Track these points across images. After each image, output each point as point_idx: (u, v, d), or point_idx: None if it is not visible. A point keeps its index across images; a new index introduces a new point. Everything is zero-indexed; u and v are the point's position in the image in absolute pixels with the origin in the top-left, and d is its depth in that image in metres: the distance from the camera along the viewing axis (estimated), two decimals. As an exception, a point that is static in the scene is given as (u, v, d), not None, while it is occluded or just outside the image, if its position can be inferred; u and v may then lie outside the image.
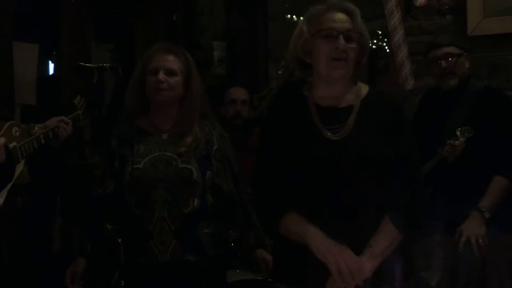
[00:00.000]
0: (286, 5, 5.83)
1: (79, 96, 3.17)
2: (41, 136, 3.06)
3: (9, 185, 2.94)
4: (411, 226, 2.28)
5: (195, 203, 2.73)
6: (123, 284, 2.40)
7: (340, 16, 2.31)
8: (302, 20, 2.40)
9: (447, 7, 4.21)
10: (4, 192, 2.93)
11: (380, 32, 8.01)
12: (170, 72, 2.74)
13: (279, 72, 4.42)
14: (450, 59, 3.33)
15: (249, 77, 5.08)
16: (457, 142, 3.11)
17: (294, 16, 5.87)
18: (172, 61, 2.75)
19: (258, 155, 2.45)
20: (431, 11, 4.23)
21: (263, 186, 2.39)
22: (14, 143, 2.94)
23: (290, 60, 2.42)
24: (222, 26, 5.39)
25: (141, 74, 2.78)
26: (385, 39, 6.28)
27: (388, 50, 5.46)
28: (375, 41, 9.06)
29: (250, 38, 5.15)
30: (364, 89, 2.41)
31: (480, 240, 3.03)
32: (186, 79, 2.78)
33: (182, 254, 2.70)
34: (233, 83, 4.35)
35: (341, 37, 2.28)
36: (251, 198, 2.76)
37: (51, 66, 5.59)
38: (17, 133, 2.99)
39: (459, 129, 3.13)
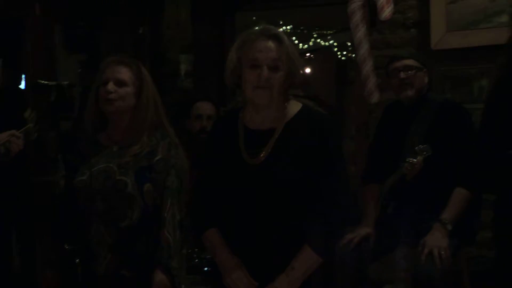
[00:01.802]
0: (254, 18, 5.84)
1: (29, 109, 3.13)
2: None
3: None
4: (327, 250, 2.40)
5: (133, 216, 2.67)
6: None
7: (268, 44, 2.38)
8: (233, 46, 2.47)
9: (411, 21, 4.26)
10: None
11: (349, 44, 8.07)
12: (120, 83, 2.73)
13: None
14: (409, 71, 3.38)
15: (216, 90, 5.07)
16: (415, 160, 3.15)
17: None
18: (123, 72, 2.75)
19: (199, 172, 2.61)
20: (396, 25, 4.28)
21: (194, 202, 2.56)
22: None
23: (228, 82, 2.50)
24: (189, 39, 5.38)
25: (97, 88, 2.76)
26: (354, 51, 6.32)
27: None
28: (344, 53, 9.15)
29: (217, 51, 5.14)
30: (294, 109, 2.47)
31: (443, 252, 3.05)
32: (138, 90, 2.76)
33: (118, 268, 2.66)
34: (200, 97, 4.33)
35: (265, 67, 2.35)
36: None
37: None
38: None
39: (418, 147, 3.17)
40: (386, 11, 3.97)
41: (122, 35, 5.18)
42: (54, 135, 3.30)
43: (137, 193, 2.67)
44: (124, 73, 2.75)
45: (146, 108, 2.76)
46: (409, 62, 3.41)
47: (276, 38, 2.39)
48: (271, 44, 2.38)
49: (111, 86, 2.71)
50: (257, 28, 2.45)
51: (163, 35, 5.43)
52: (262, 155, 2.38)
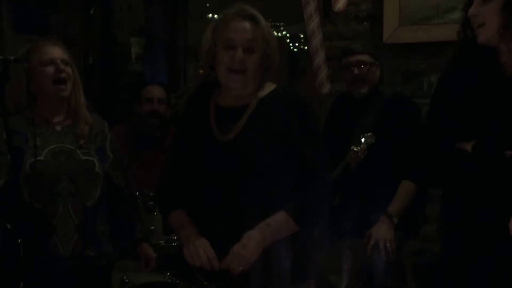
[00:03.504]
0: (208, 4, 5.81)
1: None
2: None
3: None
4: (308, 221, 2.30)
5: (96, 196, 2.74)
6: (22, 285, 2.32)
7: (244, 25, 2.30)
8: (209, 26, 2.40)
9: (364, 14, 4.27)
10: None
11: (302, 36, 8.10)
12: (66, 63, 2.76)
13: (200, 71, 4.40)
14: (362, 66, 3.39)
15: (167, 75, 5.03)
16: (359, 148, 3.16)
17: (215, 16, 5.85)
18: (63, 52, 2.78)
19: (168, 153, 2.54)
20: (349, 17, 4.29)
21: (161, 184, 2.48)
22: None
23: (203, 63, 2.43)
24: (141, 22, 5.32)
25: (26, 65, 2.66)
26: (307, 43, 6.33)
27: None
28: (296, 44, 9.17)
29: (169, 36, 5.09)
30: (268, 89, 2.40)
31: (388, 245, 3.07)
32: (72, 70, 2.79)
33: (83, 249, 2.69)
34: (150, 81, 4.28)
35: (239, 48, 2.29)
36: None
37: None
38: None
39: (362, 135, 3.19)
40: (340, 3, 3.98)
41: (72, 15, 5.07)
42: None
43: (102, 172, 2.76)
44: (64, 54, 2.78)
45: (80, 89, 2.81)
46: (363, 57, 3.41)
47: (253, 19, 2.32)
48: (247, 24, 2.30)
49: (61, 65, 2.72)
50: (232, 8, 2.36)
51: (114, 17, 5.36)
52: (234, 131, 2.31)
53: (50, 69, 2.72)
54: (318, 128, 2.42)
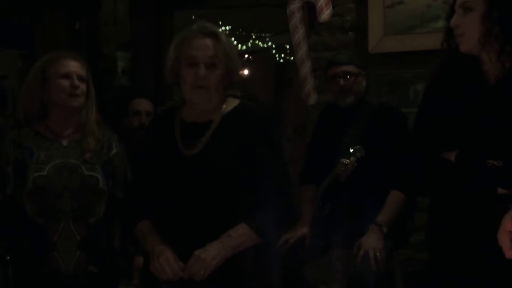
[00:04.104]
0: (193, 17, 5.81)
1: None
2: None
3: None
4: (269, 233, 2.36)
5: (100, 212, 2.72)
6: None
7: (205, 42, 2.38)
8: (172, 44, 2.47)
9: (349, 24, 4.30)
10: None
11: (287, 46, 8.12)
12: (82, 78, 2.76)
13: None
14: (348, 77, 3.41)
15: (153, 88, 5.02)
16: (348, 161, 3.17)
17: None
18: (80, 68, 2.78)
19: (134, 167, 2.65)
20: (334, 27, 4.31)
21: (128, 196, 2.58)
22: None
23: (168, 80, 2.50)
24: (127, 36, 5.32)
25: (42, 78, 2.73)
26: (293, 53, 6.35)
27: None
28: (282, 55, 9.20)
29: (155, 49, 5.10)
30: (231, 104, 2.48)
31: (378, 254, 3.08)
32: (87, 86, 2.80)
33: (86, 265, 2.68)
34: (137, 95, 4.28)
35: (202, 66, 2.36)
36: None
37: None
38: None
39: (351, 148, 3.20)
40: (325, 13, 3.99)
41: (57, 30, 5.07)
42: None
43: (106, 188, 2.74)
44: (82, 69, 2.78)
45: (93, 104, 2.81)
46: (349, 68, 3.43)
47: (214, 35, 2.40)
48: (208, 41, 2.38)
49: (77, 81, 2.73)
50: (194, 26, 2.43)
51: (100, 31, 5.36)
52: (198, 146, 2.37)
53: (66, 83, 2.72)
54: (280, 141, 2.48)
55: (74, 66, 2.75)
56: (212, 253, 2.27)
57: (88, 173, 2.71)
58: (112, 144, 2.83)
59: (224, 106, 2.45)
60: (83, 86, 2.75)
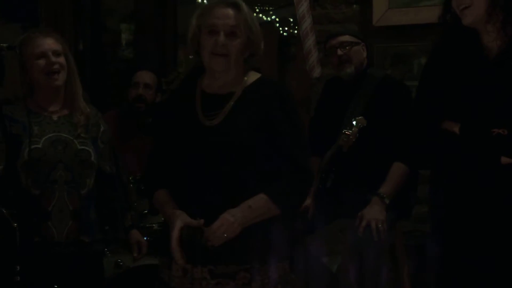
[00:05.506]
0: (196, -9, 5.80)
1: None
2: None
3: None
4: (288, 204, 2.38)
5: (91, 184, 2.85)
6: (18, 269, 2.38)
7: (226, 11, 2.40)
8: (194, 14, 2.49)
9: (354, -4, 4.29)
10: None
11: (291, 20, 8.08)
12: (58, 54, 2.81)
13: (190, 56, 4.39)
14: (345, 47, 3.40)
15: (157, 61, 5.02)
16: (350, 131, 3.19)
17: (205, 1, 5.84)
18: (54, 44, 2.82)
19: (154, 137, 2.65)
20: (339, 0, 4.30)
21: (147, 167, 2.57)
22: None
23: (190, 49, 2.51)
24: (130, 8, 5.31)
25: (20, 61, 2.77)
26: (296, 27, 6.33)
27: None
28: (286, 29, 9.15)
29: (159, 21, 5.09)
30: (252, 78, 2.49)
31: (380, 225, 3.10)
32: (66, 60, 2.85)
33: (78, 234, 2.79)
34: (142, 67, 4.28)
35: (222, 33, 2.38)
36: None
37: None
38: None
39: (354, 119, 3.21)
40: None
41: (62, 3, 5.06)
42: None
43: (96, 162, 2.87)
44: (56, 44, 2.83)
45: (76, 77, 2.88)
46: (345, 38, 3.44)
47: (235, 5, 2.42)
48: (229, 11, 2.40)
49: (52, 57, 2.77)
50: None
51: (104, 4, 5.34)
52: (219, 117, 2.39)
53: (42, 62, 2.78)
54: (298, 116, 2.48)
55: (48, 43, 2.80)
56: (239, 220, 2.29)
57: (81, 147, 2.83)
58: (99, 121, 2.95)
59: (245, 78, 2.46)
60: (60, 60, 2.81)
